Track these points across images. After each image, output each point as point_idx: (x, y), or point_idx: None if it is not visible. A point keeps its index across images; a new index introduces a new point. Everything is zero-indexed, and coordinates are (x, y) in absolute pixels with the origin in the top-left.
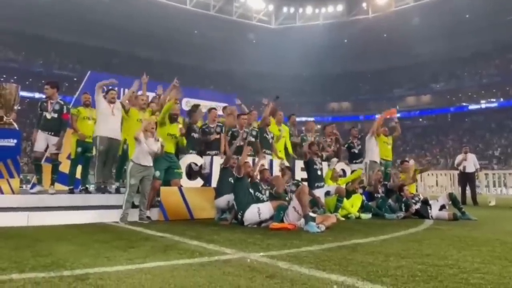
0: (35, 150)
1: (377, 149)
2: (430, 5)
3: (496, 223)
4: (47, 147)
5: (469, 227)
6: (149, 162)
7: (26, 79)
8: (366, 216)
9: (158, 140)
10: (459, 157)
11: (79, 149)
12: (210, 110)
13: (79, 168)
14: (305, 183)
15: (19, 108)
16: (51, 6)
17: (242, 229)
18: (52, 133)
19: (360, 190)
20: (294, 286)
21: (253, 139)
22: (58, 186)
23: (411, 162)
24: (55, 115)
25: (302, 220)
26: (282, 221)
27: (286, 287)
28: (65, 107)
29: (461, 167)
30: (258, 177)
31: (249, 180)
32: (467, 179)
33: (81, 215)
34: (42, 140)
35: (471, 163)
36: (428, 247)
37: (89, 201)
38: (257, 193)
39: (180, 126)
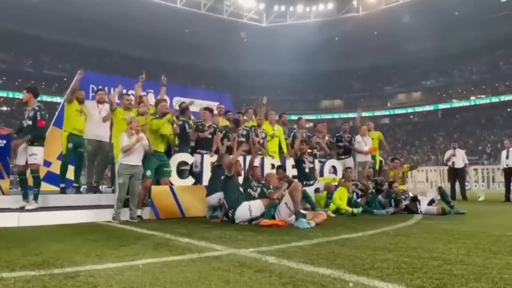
0: (17, 164)
1: (368, 146)
2: (419, 2)
3: (484, 217)
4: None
5: (456, 221)
6: (137, 161)
7: (15, 79)
8: (358, 210)
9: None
10: (448, 153)
11: (70, 145)
12: (205, 109)
13: (71, 168)
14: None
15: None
16: (41, 6)
17: (233, 226)
18: (29, 143)
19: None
20: (282, 279)
21: (243, 139)
22: (49, 187)
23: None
24: (30, 122)
25: (293, 216)
26: (273, 217)
27: (274, 280)
28: (39, 113)
29: (450, 163)
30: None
31: (238, 178)
32: (456, 174)
33: (73, 215)
34: (21, 152)
35: (460, 158)
36: (415, 241)
37: (80, 201)
38: (249, 189)
39: (175, 125)
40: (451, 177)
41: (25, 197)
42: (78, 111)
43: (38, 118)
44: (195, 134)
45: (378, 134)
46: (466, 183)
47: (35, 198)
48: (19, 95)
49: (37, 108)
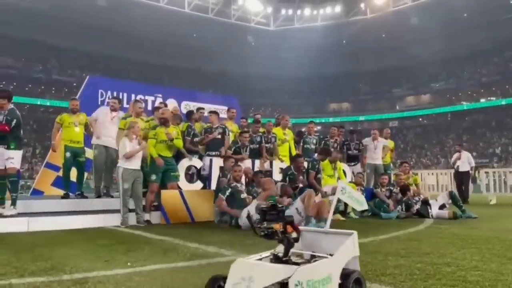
0: None
1: (377, 152)
2: (428, 4)
3: (496, 221)
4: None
5: (468, 225)
6: (137, 165)
7: (25, 85)
8: (355, 216)
9: (141, 142)
10: (454, 156)
11: (68, 154)
12: (211, 113)
13: (74, 172)
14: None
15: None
16: (50, 13)
17: (242, 231)
18: (5, 146)
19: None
20: None
21: (256, 146)
22: (58, 191)
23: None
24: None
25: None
26: None
27: None
28: (5, 118)
29: (455, 166)
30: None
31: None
32: (461, 178)
33: (81, 220)
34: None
35: (465, 162)
36: (427, 246)
37: (89, 205)
38: (242, 195)
39: (167, 132)
40: (456, 180)
41: (2, 203)
42: (72, 123)
43: (3, 122)
44: (190, 143)
45: (392, 144)
46: (477, 186)
47: (13, 203)
48: (29, 101)
49: (6, 112)
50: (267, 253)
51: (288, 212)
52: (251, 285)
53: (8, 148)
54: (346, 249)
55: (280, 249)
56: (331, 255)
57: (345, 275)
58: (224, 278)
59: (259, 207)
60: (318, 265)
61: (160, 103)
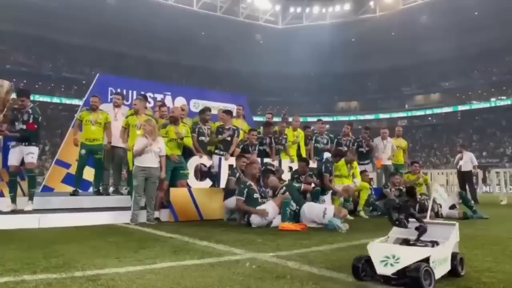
0: (9, 165)
1: (386, 152)
2: (437, 2)
3: (508, 222)
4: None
5: (480, 225)
6: (151, 163)
7: (35, 82)
8: (364, 216)
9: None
10: (456, 157)
11: (83, 151)
12: (224, 112)
13: (87, 171)
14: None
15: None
16: (60, 11)
17: (251, 229)
18: (26, 144)
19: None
20: (304, 286)
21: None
22: (68, 188)
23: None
24: (24, 126)
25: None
26: (292, 217)
27: (296, 287)
28: (32, 116)
29: (458, 166)
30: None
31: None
32: (464, 177)
33: (92, 217)
34: (15, 153)
35: (467, 161)
36: None
37: (99, 203)
38: (255, 194)
39: (178, 131)
40: (460, 181)
41: (14, 200)
42: (89, 121)
43: (31, 121)
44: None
45: (404, 143)
46: (487, 186)
47: (31, 198)
48: (40, 98)
49: (30, 111)
50: (382, 239)
51: (308, 207)
52: (399, 261)
53: (29, 144)
54: (454, 236)
55: (393, 235)
56: (435, 241)
57: (453, 256)
58: (366, 257)
59: (393, 203)
60: (442, 248)
61: (158, 101)
